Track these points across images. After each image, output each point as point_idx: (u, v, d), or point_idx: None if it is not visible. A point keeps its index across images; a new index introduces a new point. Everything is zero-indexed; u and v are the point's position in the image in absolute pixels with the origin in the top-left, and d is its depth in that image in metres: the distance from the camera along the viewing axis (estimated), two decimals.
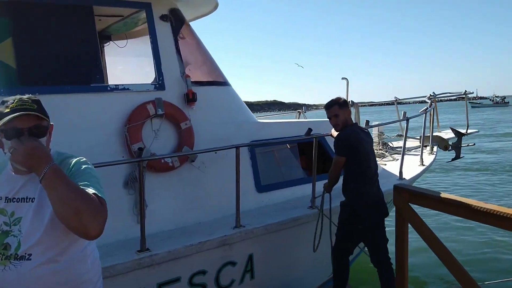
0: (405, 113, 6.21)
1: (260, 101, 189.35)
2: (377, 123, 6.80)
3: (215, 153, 4.17)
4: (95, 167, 1.96)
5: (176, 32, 4.36)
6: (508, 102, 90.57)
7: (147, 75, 4.85)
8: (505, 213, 3.03)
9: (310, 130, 4.55)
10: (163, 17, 4.25)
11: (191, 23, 4.89)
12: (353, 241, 4.19)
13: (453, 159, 8.16)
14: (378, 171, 6.05)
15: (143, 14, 4.34)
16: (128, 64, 5.70)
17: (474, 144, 10.81)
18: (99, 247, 2.08)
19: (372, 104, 28.82)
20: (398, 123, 8.26)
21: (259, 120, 5.12)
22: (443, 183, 12.59)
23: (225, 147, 4.05)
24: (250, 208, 4.50)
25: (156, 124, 4.06)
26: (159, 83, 4.12)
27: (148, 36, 4.22)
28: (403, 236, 4.05)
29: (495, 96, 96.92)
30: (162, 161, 3.96)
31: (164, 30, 4.24)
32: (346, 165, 3.99)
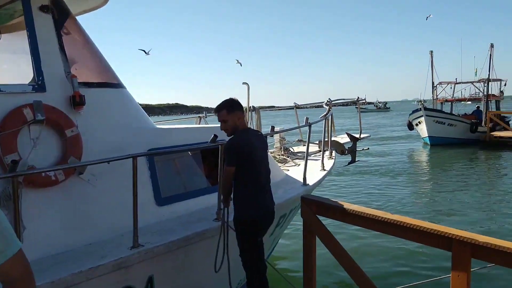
0: (307, 118, 6.25)
1: (161, 104, 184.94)
2: (279, 128, 6.78)
3: (108, 163, 3.68)
4: None
5: (59, 26, 3.80)
6: (389, 108, 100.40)
7: (26, 75, 4.21)
8: (414, 224, 3.09)
9: (215, 136, 4.25)
10: (43, 8, 3.67)
11: (78, 18, 4.36)
12: (261, 252, 3.93)
13: (349, 163, 8.47)
14: (281, 178, 6.04)
15: (19, 6, 3.71)
16: (2, 62, 4.94)
17: (368, 148, 11.52)
18: None
19: (272, 109, 29.50)
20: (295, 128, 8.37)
21: (158, 126, 4.73)
22: (343, 187, 13.20)
23: (120, 157, 3.55)
24: (150, 224, 4.04)
25: (35, 132, 3.44)
26: (38, 84, 3.52)
27: (24, 31, 3.63)
28: (311, 249, 3.98)
29: (378, 102, 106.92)
30: (43, 174, 3.38)
31: (44, 23, 3.67)
32: (236, 174, 3.71)
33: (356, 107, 10.56)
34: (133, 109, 4.44)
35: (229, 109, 3.77)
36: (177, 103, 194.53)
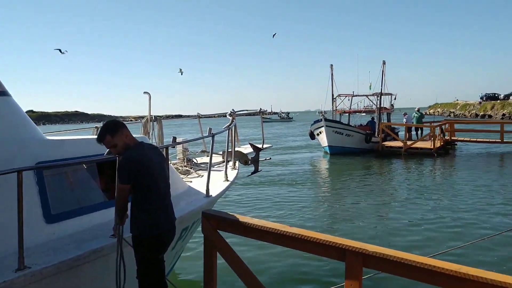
0: (210, 129, 6.24)
1: (59, 112, 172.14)
2: (182, 138, 6.68)
3: None
4: None
5: None
6: (292, 118, 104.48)
7: None
8: (310, 236, 3.21)
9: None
10: None
11: None
12: (163, 273, 3.82)
13: (252, 173, 8.60)
14: (184, 190, 5.95)
15: None
16: None
17: (270, 158, 11.87)
18: None
19: (175, 119, 29.07)
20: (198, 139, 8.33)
21: (48, 138, 4.40)
22: (247, 198, 13.33)
23: (3, 171, 3.25)
24: (38, 243, 3.72)
25: None
26: None
27: None
28: (212, 265, 3.95)
29: (282, 112, 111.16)
30: None
31: None
32: (133, 190, 3.56)
33: (261, 118, 10.82)
34: (19, 119, 4.11)
35: (112, 132, 3.56)
36: (76, 111, 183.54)
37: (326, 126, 23.97)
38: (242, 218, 3.81)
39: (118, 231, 3.79)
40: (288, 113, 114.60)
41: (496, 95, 72.32)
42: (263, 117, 10.79)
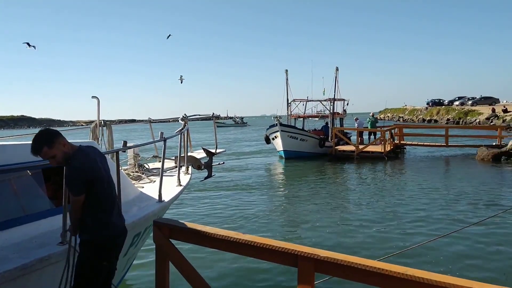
0: (162, 133, 6.15)
1: (3, 116, 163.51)
2: (133, 143, 6.54)
3: None
4: None
5: None
6: (246, 123, 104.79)
7: None
8: (263, 243, 3.23)
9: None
10: None
11: None
12: (102, 278, 3.68)
13: (205, 178, 8.55)
14: (135, 195, 5.83)
15: None
16: None
17: (224, 163, 11.82)
18: None
19: (125, 124, 28.41)
20: (153, 144, 8.17)
21: None
22: (201, 203, 13.24)
23: None
24: None
25: None
26: None
27: None
28: (164, 274, 3.89)
29: (236, 117, 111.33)
30: None
31: None
32: (85, 198, 3.46)
33: (214, 122, 10.79)
34: None
35: (49, 143, 3.39)
36: (23, 115, 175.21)
37: (282, 130, 24.23)
38: (194, 226, 3.78)
39: (70, 242, 3.67)
40: (242, 118, 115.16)
41: (441, 101, 75.74)
42: (217, 122, 10.76)
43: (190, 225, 3.77)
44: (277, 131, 24.43)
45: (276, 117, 26.22)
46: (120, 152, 5.53)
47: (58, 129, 8.36)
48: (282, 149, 24.70)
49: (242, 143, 41.20)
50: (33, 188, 4.54)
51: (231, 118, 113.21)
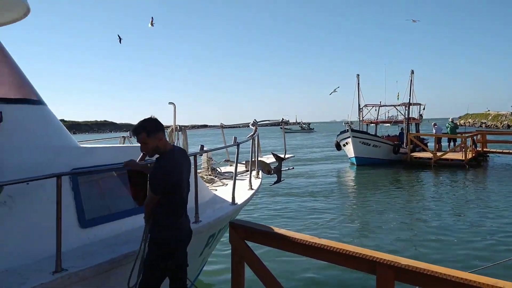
0: (235, 138, 6.28)
1: (88, 121, 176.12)
2: (207, 148, 6.75)
3: (27, 184, 3.45)
4: None
5: None
6: (313, 129, 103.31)
7: None
8: (339, 248, 3.17)
9: (144, 155, 4.15)
10: None
11: None
12: (162, 279, 3.76)
13: (275, 183, 8.59)
14: (209, 198, 5.99)
15: None
16: None
17: (293, 168, 11.79)
18: None
19: (199, 129, 29.36)
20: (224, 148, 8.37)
21: (81, 145, 4.52)
22: (270, 208, 13.28)
23: (42, 176, 3.36)
24: (73, 247, 3.81)
25: None
26: None
27: None
28: (240, 274, 3.95)
29: (303, 123, 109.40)
30: None
31: None
32: (160, 199, 3.56)
33: (280, 128, 10.78)
34: (54, 127, 4.25)
35: (149, 132, 3.55)
36: (105, 121, 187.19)
37: (353, 136, 23.72)
38: (270, 229, 3.79)
39: (143, 237, 3.83)
40: (309, 123, 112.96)
41: None
42: (282, 128, 10.78)
43: (265, 227, 3.79)
44: (348, 137, 23.95)
45: (347, 123, 25.72)
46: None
47: None
48: (353, 155, 24.17)
49: (309, 149, 40.66)
50: (119, 188, 4.81)
51: (298, 123, 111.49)
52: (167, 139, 7.74)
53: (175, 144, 7.81)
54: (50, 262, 3.38)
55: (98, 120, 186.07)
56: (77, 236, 3.98)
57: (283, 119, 10.40)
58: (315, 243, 3.34)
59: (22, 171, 3.57)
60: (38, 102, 4.11)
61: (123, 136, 9.12)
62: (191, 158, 4.31)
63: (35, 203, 3.71)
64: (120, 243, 4.08)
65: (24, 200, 3.64)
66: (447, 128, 25.71)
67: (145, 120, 3.62)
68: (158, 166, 3.57)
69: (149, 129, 3.55)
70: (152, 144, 3.57)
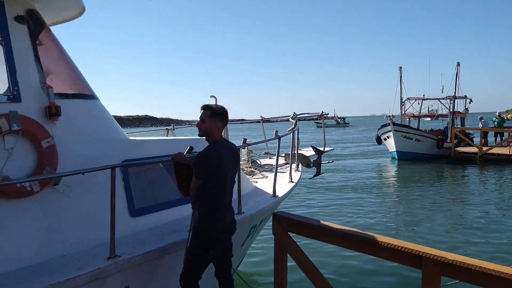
0: (277, 131, 6.35)
1: (130, 116, 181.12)
2: (249, 141, 6.85)
3: (83, 174, 3.65)
4: None
5: (34, 37, 3.80)
6: (349, 123, 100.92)
7: None
8: (384, 242, 3.18)
9: (191, 148, 4.29)
10: (18, 18, 3.67)
11: (52, 28, 4.33)
12: (204, 266, 3.87)
13: (314, 176, 8.60)
14: (251, 189, 6.09)
15: None
16: None
17: (333, 161, 11.72)
18: None
19: (238, 122, 29.61)
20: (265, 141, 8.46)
21: (131, 138, 4.72)
22: (310, 201, 13.29)
23: (98, 167, 3.56)
24: (123, 235, 4.01)
25: (9, 142, 3.40)
26: (13, 94, 3.50)
27: None
28: (282, 266, 4.00)
29: (338, 117, 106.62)
30: (19, 185, 3.33)
31: (19, 33, 3.66)
32: (201, 187, 3.69)
33: (315, 122, 10.69)
34: (107, 121, 4.44)
35: (213, 113, 3.72)
36: (146, 115, 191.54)
37: (395, 130, 23.26)
38: (313, 221, 3.84)
39: (191, 224, 3.97)
40: (345, 118, 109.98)
41: None
42: (317, 122, 10.72)
43: (309, 219, 3.84)
44: (390, 131, 23.50)
45: (389, 116, 25.20)
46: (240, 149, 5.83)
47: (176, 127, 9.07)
48: (395, 149, 23.71)
49: (344, 144, 39.74)
50: (165, 179, 4.99)
51: (333, 118, 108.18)
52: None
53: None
54: (104, 248, 3.59)
55: (140, 114, 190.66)
56: (127, 224, 4.18)
57: (322, 112, 10.37)
58: (360, 236, 3.36)
59: (78, 162, 3.79)
60: (92, 97, 4.31)
61: (166, 129, 9.43)
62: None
63: (89, 192, 3.92)
64: (167, 232, 4.26)
65: (80, 190, 3.85)
66: (494, 122, 24.70)
67: (215, 104, 3.83)
68: (200, 153, 3.71)
69: (214, 111, 3.72)
70: (209, 125, 3.71)
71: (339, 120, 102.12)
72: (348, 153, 30.27)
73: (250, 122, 13.29)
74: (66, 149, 3.79)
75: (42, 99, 3.67)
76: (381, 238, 3.26)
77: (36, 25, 3.83)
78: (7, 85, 3.55)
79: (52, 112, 3.65)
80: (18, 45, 3.62)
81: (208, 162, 3.63)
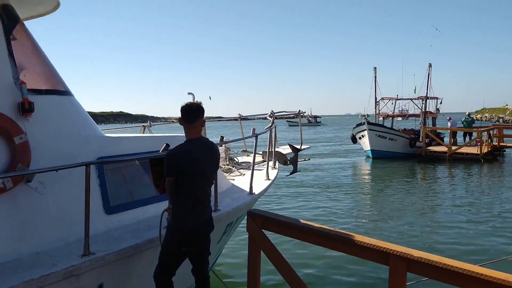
0: (254, 129, 6.40)
1: (105, 112, 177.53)
2: (226, 138, 6.87)
3: (56, 171, 3.63)
4: None
5: (8, 32, 3.76)
6: (320, 122, 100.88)
7: None
8: (354, 239, 3.28)
9: (167, 145, 4.30)
10: None
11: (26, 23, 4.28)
12: (177, 263, 3.89)
13: (291, 173, 8.70)
14: (228, 187, 6.14)
15: None
16: None
17: (309, 159, 11.87)
18: None
19: (215, 120, 29.44)
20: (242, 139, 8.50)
21: (106, 135, 4.70)
22: (286, 199, 13.45)
23: (72, 165, 3.56)
24: (98, 232, 4.01)
25: None
26: None
27: None
28: (256, 262, 4.06)
29: (309, 116, 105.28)
30: None
31: None
32: (175, 184, 3.69)
33: (287, 121, 10.73)
34: (82, 117, 4.42)
35: (181, 113, 3.81)
36: (121, 112, 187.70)
37: (369, 129, 23.66)
38: (287, 219, 3.91)
39: (160, 221, 3.97)
40: (316, 117, 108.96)
41: None
42: (289, 121, 10.84)
43: (283, 217, 3.91)
44: (365, 130, 23.89)
45: (363, 116, 25.59)
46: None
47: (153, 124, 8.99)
48: (369, 148, 24.12)
49: (316, 143, 39.30)
50: (142, 176, 5.00)
51: (304, 116, 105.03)
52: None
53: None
54: (78, 245, 3.59)
55: (114, 111, 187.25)
56: (102, 221, 4.17)
57: (299, 110, 10.47)
58: (331, 233, 3.46)
59: (52, 159, 3.76)
60: (66, 93, 4.28)
61: (143, 125, 9.37)
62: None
63: (63, 189, 3.90)
64: (143, 229, 4.26)
65: (53, 187, 3.83)
66: (463, 122, 25.42)
67: (199, 106, 3.84)
68: (168, 151, 3.79)
69: (181, 111, 3.79)
70: (181, 124, 3.85)
71: (310, 118, 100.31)
72: (322, 152, 30.47)
73: (227, 120, 13.31)
74: (40, 146, 3.76)
75: (15, 95, 3.63)
76: (351, 235, 3.37)
77: (10, 20, 3.79)
78: None
79: (25, 108, 3.62)
80: None
81: (175, 160, 3.65)
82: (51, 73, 4.29)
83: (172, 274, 3.86)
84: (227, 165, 8.23)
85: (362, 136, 24.50)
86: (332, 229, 3.59)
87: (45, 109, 3.89)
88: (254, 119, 11.67)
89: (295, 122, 79.98)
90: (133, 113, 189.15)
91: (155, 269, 3.83)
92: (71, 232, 3.79)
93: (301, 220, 3.87)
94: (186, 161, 3.66)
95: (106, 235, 4.05)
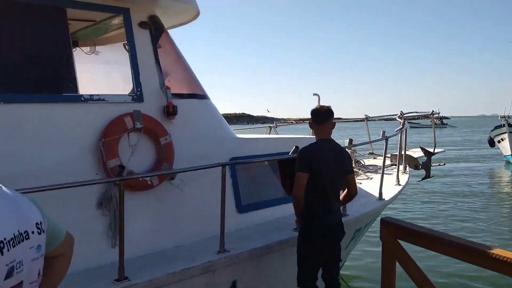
0: (384, 132, 6.12)
1: (228, 114, 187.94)
2: (355, 142, 6.71)
3: (195, 171, 3.87)
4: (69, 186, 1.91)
5: (155, 41, 4.08)
6: (447, 124, 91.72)
7: (115, 85, 4.52)
8: (496, 254, 2.90)
9: (297, 148, 4.32)
10: (142, 24, 3.97)
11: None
12: (315, 266, 3.80)
13: (423, 179, 8.18)
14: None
15: (115, 20, 4.07)
16: (95, 73, 5.33)
17: (444, 164, 10.85)
18: (69, 276, 1.80)
19: (340, 121, 29.07)
20: (371, 142, 8.19)
21: (238, 136, 4.89)
22: (417, 205, 12.64)
23: (210, 165, 3.78)
24: (230, 230, 4.13)
25: (133, 139, 3.72)
26: (137, 95, 3.80)
27: (118, 44, 3.97)
28: (390, 273, 3.83)
29: (436, 117, 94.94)
30: (140, 179, 3.63)
31: (142, 37, 3.96)
32: (306, 187, 3.63)
33: (408, 122, 9.78)
34: (217, 119, 4.65)
35: (312, 120, 3.91)
36: (243, 113, 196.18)
37: (510, 132, 21.30)
38: (424, 229, 3.64)
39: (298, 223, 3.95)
40: (443, 118, 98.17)
41: None
42: (410, 122, 10.07)
43: (419, 227, 3.65)
44: (505, 133, 21.58)
45: (504, 117, 23.13)
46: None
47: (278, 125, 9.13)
48: (510, 153, 21.69)
49: (442, 147, 35.46)
50: (271, 177, 5.11)
51: (445, 118, 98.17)
52: (311, 132, 7.90)
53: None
54: (212, 242, 3.77)
55: (237, 112, 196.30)
56: (234, 220, 4.33)
57: (433, 111, 9.76)
58: (476, 248, 3.12)
59: (191, 159, 4.01)
60: (204, 96, 4.53)
61: (269, 126, 9.63)
62: None
63: (200, 188, 4.12)
64: (272, 230, 4.34)
65: (190, 185, 4.07)
66: None
67: (329, 109, 3.88)
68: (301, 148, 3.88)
69: (313, 117, 3.87)
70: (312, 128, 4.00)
71: (436, 120, 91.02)
72: (447, 157, 27.94)
73: (354, 121, 12.98)
74: (181, 146, 4.01)
75: (161, 99, 3.94)
76: (502, 252, 2.99)
77: (157, 30, 4.11)
78: (131, 86, 3.87)
79: (170, 112, 3.90)
80: (141, 49, 3.91)
81: (308, 155, 3.66)
82: (191, 78, 4.57)
83: (314, 279, 3.81)
84: (354, 168, 8.00)
85: (502, 139, 22.14)
86: (477, 243, 3.24)
87: (186, 112, 4.14)
88: (381, 120, 11.18)
89: (417, 123, 74.08)
90: (254, 114, 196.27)
91: (296, 277, 3.79)
92: (206, 228, 3.99)
93: (441, 232, 3.57)
94: (318, 159, 3.65)
95: (238, 234, 4.19)
